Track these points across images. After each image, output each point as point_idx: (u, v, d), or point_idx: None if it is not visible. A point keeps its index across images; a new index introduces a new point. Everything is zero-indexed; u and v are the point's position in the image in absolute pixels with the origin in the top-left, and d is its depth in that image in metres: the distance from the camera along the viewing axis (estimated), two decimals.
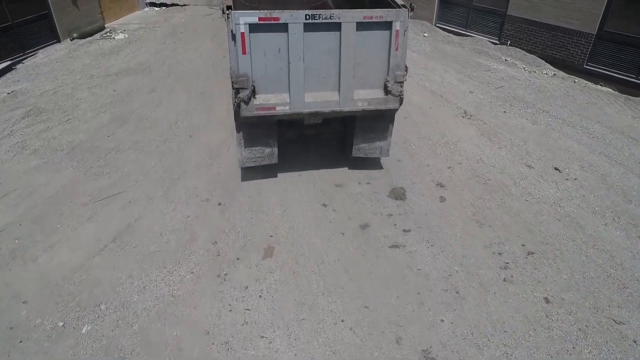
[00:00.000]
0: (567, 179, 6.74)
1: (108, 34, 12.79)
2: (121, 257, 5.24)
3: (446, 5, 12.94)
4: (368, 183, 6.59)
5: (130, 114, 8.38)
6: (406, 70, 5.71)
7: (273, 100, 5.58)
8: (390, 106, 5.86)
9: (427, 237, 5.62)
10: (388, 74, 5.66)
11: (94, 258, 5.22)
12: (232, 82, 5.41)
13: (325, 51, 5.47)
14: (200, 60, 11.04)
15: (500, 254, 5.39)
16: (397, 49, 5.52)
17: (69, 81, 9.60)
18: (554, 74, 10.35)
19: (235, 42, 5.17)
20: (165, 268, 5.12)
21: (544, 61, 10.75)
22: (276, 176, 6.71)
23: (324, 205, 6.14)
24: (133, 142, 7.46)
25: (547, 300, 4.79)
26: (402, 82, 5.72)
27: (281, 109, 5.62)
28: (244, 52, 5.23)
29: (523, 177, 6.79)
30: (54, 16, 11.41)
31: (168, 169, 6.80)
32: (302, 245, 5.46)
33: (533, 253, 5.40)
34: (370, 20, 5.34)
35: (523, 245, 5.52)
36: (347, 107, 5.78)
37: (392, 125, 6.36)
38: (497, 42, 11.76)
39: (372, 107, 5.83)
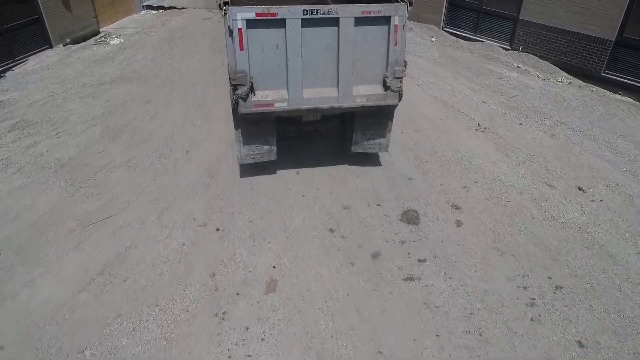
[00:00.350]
0: (592, 200, 6.26)
1: (103, 38, 12.30)
2: (109, 293, 4.77)
3: (455, 8, 12.43)
4: (378, 205, 6.11)
5: (123, 126, 7.89)
6: (405, 66, 5.61)
7: (271, 97, 5.51)
8: (390, 102, 5.79)
9: (444, 268, 5.14)
10: (387, 70, 5.62)
11: (79, 294, 4.75)
12: (229, 78, 5.28)
13: (323, 47, 5.40)
14: (198, 67, 10.55)
15: (525, 288, 4.92)
16: (396, 44, 5.47)
17: (60, 90, 9.11)
18: (570, 82, 9.86)
19: (232, 38, 5.09)
20: (158, 305, 4.65)
21: (558, 68, 10.26)
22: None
23: (331, 230, 5.67)
24: (125, 158, 6.97)
25: (580, 344, 4.32)
26: (401, 78, 5.65)
27: (279, 106, 5.55)
28: (241, 48, 5.16)
29: (545, 198, 6.30)
30: (45, 21, 10.88)
31: (163, 189, 6.32)
32: (308, 278, 4.99)
33: (561, 287, 4.93)
34: (368, 15, 5.31)
35: (550, 278, 5.04)
36: (346, 103, 5.70)
37: (392, 121, 6.28)
38: (509, 47, 11.27)
39: (371, 103, 5.75)
